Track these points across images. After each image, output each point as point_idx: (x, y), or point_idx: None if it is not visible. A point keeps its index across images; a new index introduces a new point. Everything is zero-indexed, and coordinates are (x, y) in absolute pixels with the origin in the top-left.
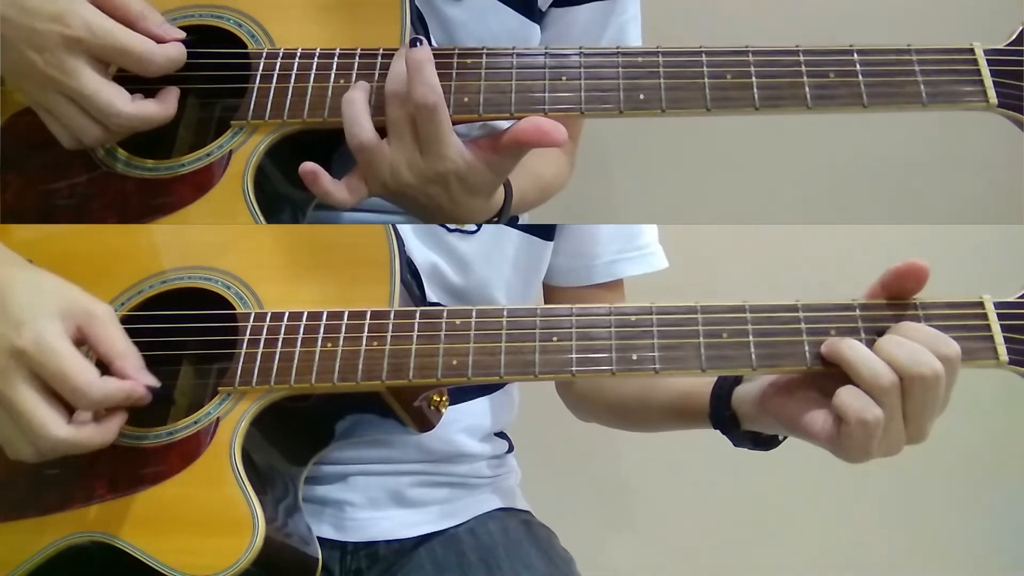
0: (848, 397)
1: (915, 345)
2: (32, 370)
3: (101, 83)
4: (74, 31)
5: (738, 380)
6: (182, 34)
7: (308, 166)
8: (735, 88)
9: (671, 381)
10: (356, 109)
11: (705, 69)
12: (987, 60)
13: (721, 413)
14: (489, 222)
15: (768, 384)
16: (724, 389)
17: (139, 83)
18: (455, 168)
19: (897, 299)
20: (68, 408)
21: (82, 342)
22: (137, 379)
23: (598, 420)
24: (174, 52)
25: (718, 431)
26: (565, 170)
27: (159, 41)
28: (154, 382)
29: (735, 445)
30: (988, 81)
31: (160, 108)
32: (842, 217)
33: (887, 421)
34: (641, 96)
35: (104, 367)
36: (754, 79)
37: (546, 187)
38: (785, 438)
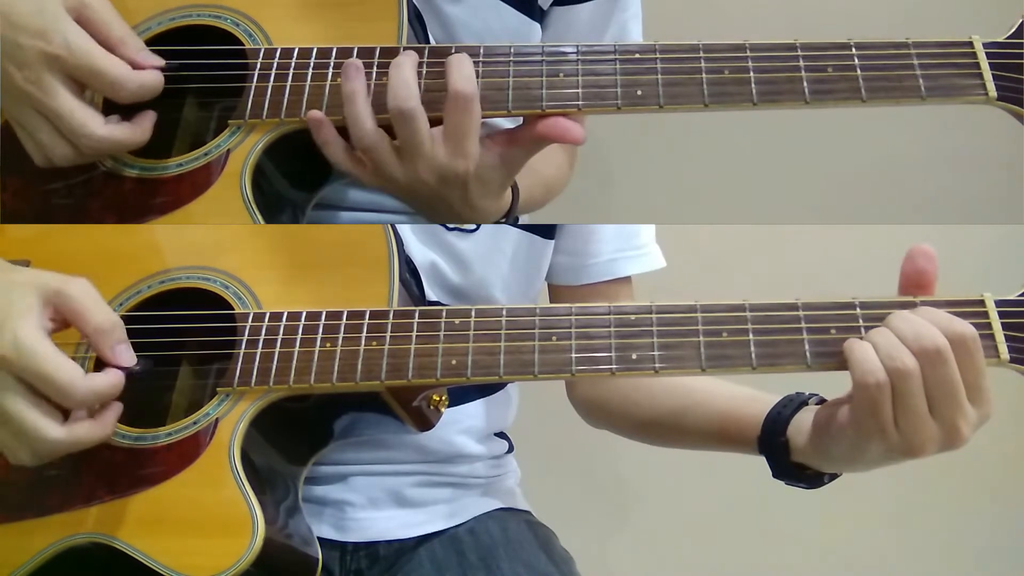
0: (857, 348)
1: (921, 320)
2: (16, 375)
3: (75, 104)
4: (54, 48)
5: (799, 407)
6: (161, 62)
7: (315, 114)
8: (733, 83)
9: (711, 400)
10: (358, 108)
11: (703, 64)
12: (986, 53)
13: (774, 438)
14: (496, 221)
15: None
16: (783, 415)
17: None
18: (476, 167)
19: (916, 284)
20: (62, 408)
21: (66, 324)
22: (117, 359)
23: (623, 435)
24: (149, 80)
25: (761, 456)
26: (565, 170)
27: (136, 67)
28: (132, 360)
29: (774, 475)
30: (987, 74)
31: (132, 132)
32: (843, 217)
33: (903, 396)
34: (639, 92)
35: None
36: (752, 74)
37: (550, 186)
38: (831, 479)
